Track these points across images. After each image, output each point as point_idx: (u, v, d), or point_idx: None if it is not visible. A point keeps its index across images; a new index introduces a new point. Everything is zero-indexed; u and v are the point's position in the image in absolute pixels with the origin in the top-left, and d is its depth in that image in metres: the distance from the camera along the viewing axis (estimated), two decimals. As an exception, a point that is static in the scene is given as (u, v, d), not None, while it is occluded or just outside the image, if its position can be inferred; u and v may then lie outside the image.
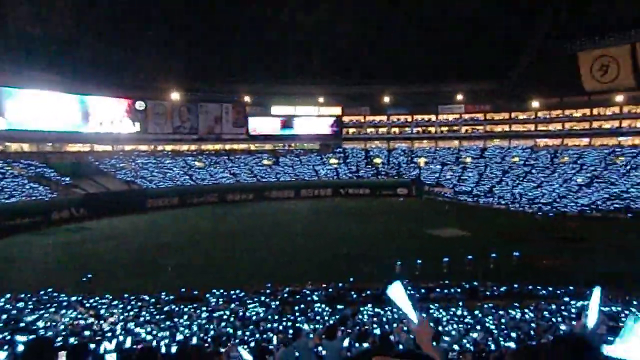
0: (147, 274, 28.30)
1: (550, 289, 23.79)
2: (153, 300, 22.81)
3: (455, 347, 13.22)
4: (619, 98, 63.13)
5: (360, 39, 71.59)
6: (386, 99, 78.19)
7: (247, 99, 74.78)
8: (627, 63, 58.00)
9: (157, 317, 19.42)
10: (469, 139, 76.51)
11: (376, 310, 20.30)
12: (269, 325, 17.62)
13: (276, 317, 19.39)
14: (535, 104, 70.89)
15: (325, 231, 41.37)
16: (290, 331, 14.66)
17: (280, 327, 17.16)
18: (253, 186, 65.27)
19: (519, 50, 68.07)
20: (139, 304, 21.92)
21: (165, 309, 21.05)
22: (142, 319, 18.86)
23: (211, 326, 17.69)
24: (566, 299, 21.82)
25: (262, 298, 23.28)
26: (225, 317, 19.54)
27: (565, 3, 61.61)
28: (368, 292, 23.51)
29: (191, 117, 71.15)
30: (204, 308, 21.27)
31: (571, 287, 23.28)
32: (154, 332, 16.13)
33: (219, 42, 68.83)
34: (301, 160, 74.45)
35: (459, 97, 75.63)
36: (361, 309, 20.69)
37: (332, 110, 78.60)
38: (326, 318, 19.07)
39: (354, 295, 23.40)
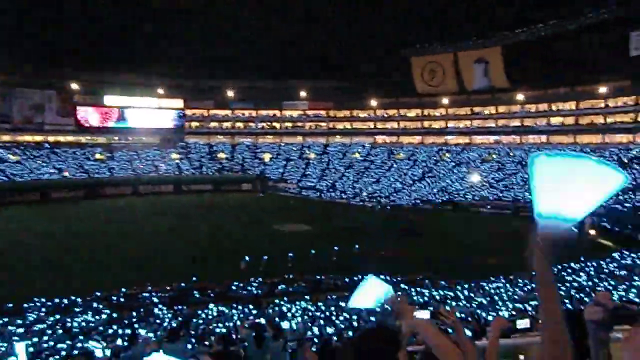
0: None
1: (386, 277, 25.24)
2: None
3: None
4: (445, 100, 70.36)
5: (204, 32, 69.56)
6: (230, 94, 77.05)
7: (74, 86, 67.61)
8: (451, 70, 64.88)
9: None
10: (312, 135, 78.92)
11: (220, 308, 19.59)
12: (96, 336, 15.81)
13: (109, 324, 17.57)
14: (374, 103, 75.54)
15: (165, 229, 39.23)
16: (125, 338, 13.27)
17: (116, 334, 15.51)
18: (84, 182, 59.49)
19: (360, 51, 71.98)
20: None
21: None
22: None
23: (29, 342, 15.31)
24: (404, 286, 23.22)
25: (95, 304, 21.03)
26: (47, 329, 17.14)
27: (402, 12, 66.90)
28: (212, 291, 22.63)
29: (4, 104, 62.11)
30: (19, 321, 18.41)
31: (404, 277, 24.99)
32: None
33: (47, 25, 61.37)
34: (139, 155, 69.83)
35: (303, 94, 77.55)
36: (211, 307, 19.83)
37: (174, 102, 74.87)
38: (167, 321, 17.85)
39: (197, 296, 22.33)
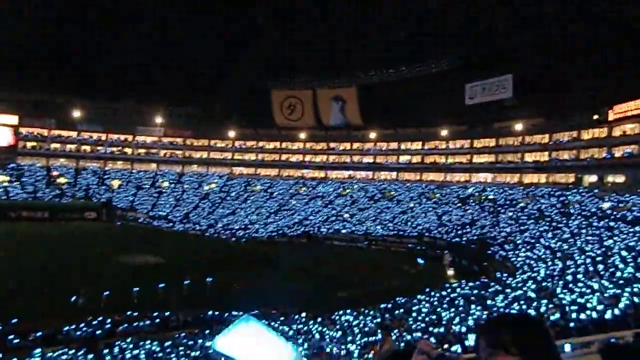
0: None
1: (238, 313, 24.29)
2: None
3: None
4: (303, 135, 72.19)
5: (44, 40, 62.40)
6: (77, 113, 70.69)
7: None
8: (309, 105, 67.11)
9: None
10: (167, 163, 75.48)
11: (48, 355, 17.03)
12: None
13: None
14: (232, 133, 74.83)
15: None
16: None
17: None
18: None
19: (222, 80, 70.93)
20: None
21: None
22: None
23: None
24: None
25: None
26: None
27: (264, 46, 67.59)
28: (37, 333, 19.67)
29: None
30: None
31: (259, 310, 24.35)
32: None
33: None
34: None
35: (159, 119, 74.19)
36: (36, 353, 17.08)
37: (6, 118, 66.53)
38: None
39: (16, 341, 19.04)
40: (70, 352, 17.04)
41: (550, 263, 31.13)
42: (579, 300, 17.77)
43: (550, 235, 38.28)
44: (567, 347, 8.37)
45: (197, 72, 65.97)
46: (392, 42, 57.75)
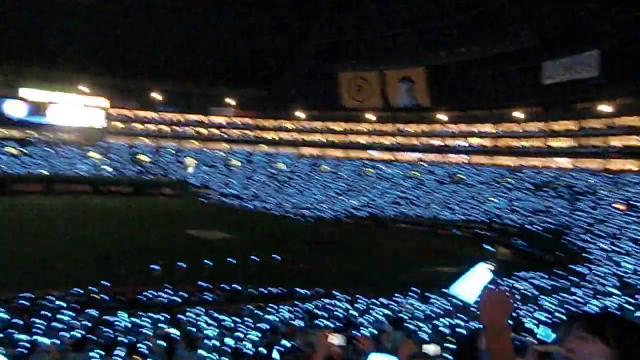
0: None
1: (306, 291, 25.22)
2: None
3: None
4: (370, 116, 71.97)
5: (129, 32, 67.16)
6: (156, 96, 74.77)
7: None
8: (377, 86, 66.65)
9: None
10: (237, 143, 77.95)
11: (132, 319, 18.66)
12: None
13: (7, 329, 16.24)
14: (300, 114, 75.93)
15: (81, 231, 37.18)
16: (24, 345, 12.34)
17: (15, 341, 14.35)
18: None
19: (287, 64, 72.39)
20: None
21: None
22: None
23: None
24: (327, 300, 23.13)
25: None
26: None
27: (330, 29, 68.17)
28: (122, 297, 21.60)
29: None
30: None
31: (322, 289, 25.16)
32: None
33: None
34: (57, 152, 65.98)
35: (230, 101, 76.61)
36: (121, 314, 18.84)
37: (98, 101, 71.40)
38: (73, 328, 16.76)
39: (107, 300, 21.15)
40: (150, 315, 18.58)
41: (636, 257, 29.47)
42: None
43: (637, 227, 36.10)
44: None
45: (264, 56, 67.97)
46: (459, 22, 56.27)
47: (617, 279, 25.34)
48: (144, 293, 22.44)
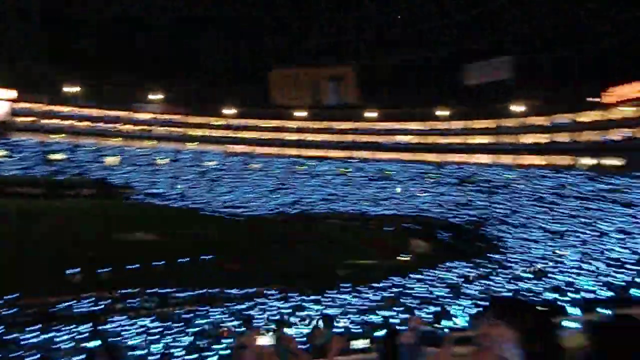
0: None
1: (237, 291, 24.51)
2: None
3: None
4: (301, 114, 71.51)
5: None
6: (73, 89, 69.75)
7: None
8: (307, 84, 66.61)
9: None
10: (164, 140, 74.65)
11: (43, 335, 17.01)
12: None
13: None
14: (228, 111, 73.95)
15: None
16: None
17: None
18: None
19: (218, 59, 70.67)
20: None
21: None
22: None
23: None
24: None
25: None
26: None
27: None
28: (34, 309, 19.73)
29: None
30: None
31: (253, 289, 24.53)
32: None
33: None
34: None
35: (156, 96, 73.22)
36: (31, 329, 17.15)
37: (5, 93, 65.56)
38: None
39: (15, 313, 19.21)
40: (71, 327, 17.08)
41: (544, 244, 31.36)
42: (572, 280, 17.95)
43: (544, 216, 38.44)
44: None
45: (192, 49, 65.95)
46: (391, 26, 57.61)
47: (529, 264, 27.00)
48: (61, 304, 20.63)
